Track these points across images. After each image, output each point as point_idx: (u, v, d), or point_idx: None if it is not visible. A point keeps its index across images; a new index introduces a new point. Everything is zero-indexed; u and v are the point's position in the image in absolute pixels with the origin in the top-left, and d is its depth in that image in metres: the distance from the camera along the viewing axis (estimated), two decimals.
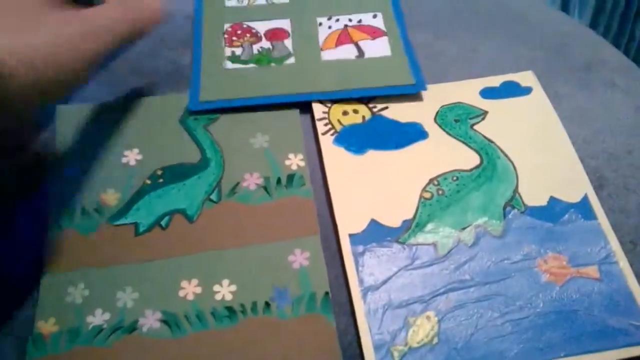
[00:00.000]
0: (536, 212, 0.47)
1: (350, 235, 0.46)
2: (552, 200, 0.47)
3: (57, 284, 0.43)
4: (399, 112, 0.53)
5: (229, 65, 0.56)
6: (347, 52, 0.56)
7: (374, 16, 0.60)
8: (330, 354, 0.40)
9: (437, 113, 0.52)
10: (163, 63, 0.57)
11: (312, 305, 0.42)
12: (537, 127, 0.52)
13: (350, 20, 0.60)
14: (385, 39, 0.58)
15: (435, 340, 0.41)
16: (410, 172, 0.49)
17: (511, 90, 0.54)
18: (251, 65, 0.55)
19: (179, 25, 0.60)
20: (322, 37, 0.58)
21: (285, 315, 0.42)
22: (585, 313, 0.42)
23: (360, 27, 0.59)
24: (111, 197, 0.47)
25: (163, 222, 0.46)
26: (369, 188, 0.48)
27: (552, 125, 0.52)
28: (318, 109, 0.53)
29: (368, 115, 0.52)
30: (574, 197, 0.47)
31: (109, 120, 0.52)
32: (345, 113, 0.52)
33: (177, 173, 0.49)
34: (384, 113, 0.52)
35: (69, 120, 0.52)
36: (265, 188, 0.48)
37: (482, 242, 0.45)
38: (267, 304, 0.42)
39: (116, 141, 0.50)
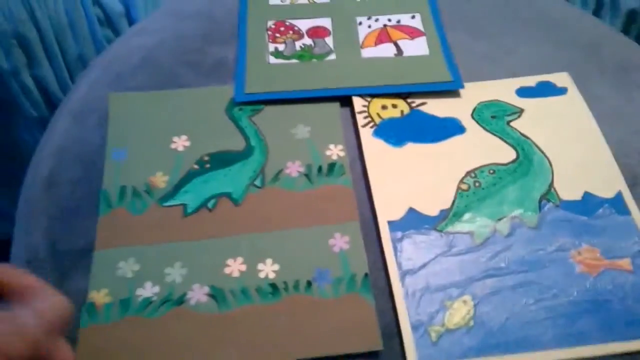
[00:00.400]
0: (571, 206, 0.47)
1: (389, 222, 0.47)
2: (587, 195, 0.48)
3: (108, 258, 0.45)
4: (436, 107, 0.54)
5: (272, 60, 0.58)
6: (386, 50, 0.58)
7: (413, 17, 0.61)
8: (370, 332, 0.41)
9: (474, 109, 0.54)
10: (209, 57, 0.58)
11: (352, 286, 0.43)
12: (572, 126, 0.52)
13: (389, 20, 0.61)
14: (423, 38, 0.59)
15: (472, 323, 0.42)
16: (448, 165, 0.50)
17: (547, 90, 0.55)
18: (294, 60, 0.57)
19: (223, 22, 0.62)
20: (362, 35, 0.60)
21: (327, 294, 0.43)
22: (618, 303, 0.43)
23: (399, 27, 0.61)
24: (160, 180, 0.49)
25: (210, 204, 0.48)
26: (408, 178, 0.50)
27: (587, 124, 0.53)
28: (358, 102, 0.54)
29: (407, 110, 0.54)
30: (608, 193, 0.48)
31: (158, 108, 0.54)
32: (384, 107, 0.54)
33: (223, 159, 0.50)
34: (422, 108, 0.54)
35: (120, 106, 0.54)
36: (307, 175, 0.49)
37: (518, 233, 0.46)
38: (309, 283, 0.44)
39: (165, 128, 0.52)
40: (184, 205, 0.48)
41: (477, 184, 0.49)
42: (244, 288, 0.44)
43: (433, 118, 0.53)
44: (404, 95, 0.54)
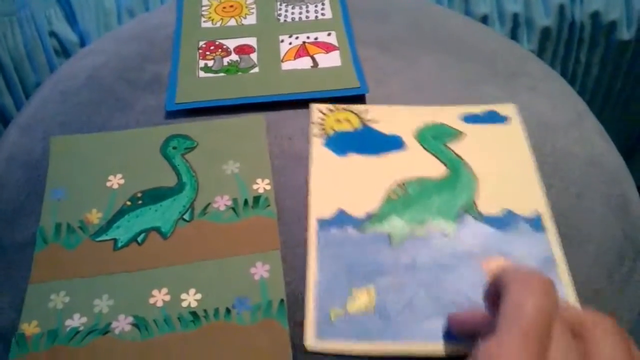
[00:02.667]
0: (490, 220, 0.47)
1: (318, 220, 0.47)
2: (507, 212, 0.48)
3: (41, 291, 0.44)
4: (385, 125, 0.54)
5: (202, 74, 0.59)
6: (304, 63, 0.60)
7: (329, 34, 0.63)
8: (282, 354, 0.40)
9: (417, 129, 0.54)
10: (146, 74, 0.60)
11: (268, 312, 0.42)
12: (506, 152, 0.52)
13: (308, 37, 0.63)
14: (337, 52, 0.61)
15: (372, 310, 0.42)
16: (383, 175, 0.50)
17: (491, 118, 0.55)
18: (221, 74, 0.59)
19: (161, 44, 0.64)
20: (283, 51, 0.61)
21: (244, 321, 0.42)
22: None
23: (316, 43, 0.62)
24: (94, 216, 0.48)
25: (139, 239, 0.46)
26: (343, 184, 0.50)
27: (521, 149, 0.53)
28: (315, 115, 0.55)
29: (359, 125, 0.54)
30: (529, 212, 0.48)
31: (96, 149, 0.53)
32: (338, 121, 0.55)
33: (155, 196, 0.49)
34: (372, 125, 0.54)
35: (60, 149, 0.53)
36: (234, 209, 0.48)
37: (434, 238, 0.46)
38: (228, 310, 0.42)
39: (102, 168, 0.51)
40: (115, 240, 0.46)
41: (404, 193, 0.49)
42: (167, 317, 0.42)
43: (379, 134, 0.53)
44: (360, 113, 0.55)
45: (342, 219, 0.47)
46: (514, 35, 0.92)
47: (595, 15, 0.91)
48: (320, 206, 0.48)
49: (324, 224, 0.47)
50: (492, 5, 0.90)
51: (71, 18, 0.85)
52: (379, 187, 0.50)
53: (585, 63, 0.96)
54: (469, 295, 0.43)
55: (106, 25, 0.84)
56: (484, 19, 0.90)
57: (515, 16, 0.91)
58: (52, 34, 0.85)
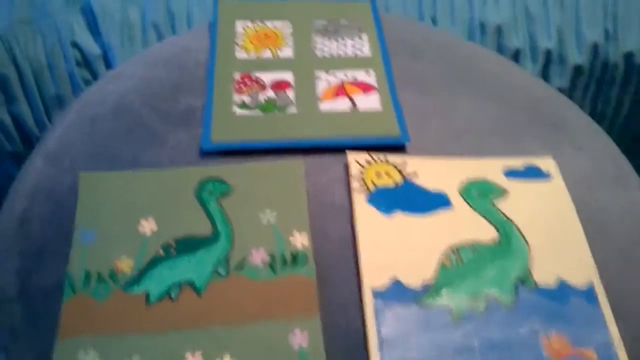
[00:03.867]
0: (544, 291, 0.46)
1: (373, 291, 0.45)
2: (561, 282, 0.47)
3: (69, 349, 0.42)
4: (427, 180, 0.52)
5: (238, 111, 0.57)
6: (342, 104, 0.58)
7: (367, 73, 0.61)
8: None
9: (462, 186, 0.52)
10: (178, 105, 0.58)
11: None
12: (552, 212, 0.51)
13: (345, 75, 0.61)
14: (376, 94, 0.59)
15: None
16: (433, 238, 0.49)
17: (532, 173, 0.54)
18: (257, 111, 0.57)
19: (193, 72, 0.62)
20: (320, 89, 0.59)
21: None
22: None
23: (354, 82, 0.60)
24: (125, 264, 0.46)
25: (172, 294, 0.44)
26: (394, 248, 0.48)
27: (567, 211, 0.51)
28: (355, 167, 0.52)
29: (399, 180, 0.52)
30: (582, 282, 0.47)
31: (128, 188, 0.51)
32: (378, 175, 0.53)
33: (188, 245, 0.47)
34: (414, 180, 0.53)
35: (90, 186, 0.51)
36: (271, 265, 0.46)
37: (492, 313, 0.45)
38: None
39: (134, 210, 0.49)
40: (147, 294, 0.44)
41: (458, 260, 0.47)
42: None
43: (423, 190, 0.52)
44: (398, 167, 0.53)
45: (398, 290, 0.46)
46: (545, 72, 0.90)
47: (629, 56, 0.89)
48: (373, 275, 0.46)
49: (379, 295, 0.45)
50: (525, 41, 0.88)
51: (94, 29, 0.83)
52: (432, 253, 0.48)
53: (615, 102, 0.94)
54: None
55: (130, 38, 0.82)
56: (516, 54, 0.88)
57: (548, 53, 0.89)
58: (74, 44, 0.83)
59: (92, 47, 0.83)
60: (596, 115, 0.97)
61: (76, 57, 0.83)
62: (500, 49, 0.89)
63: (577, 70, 0.91)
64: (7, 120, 0.85)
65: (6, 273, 0.47)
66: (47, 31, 0.83)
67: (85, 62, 0.84)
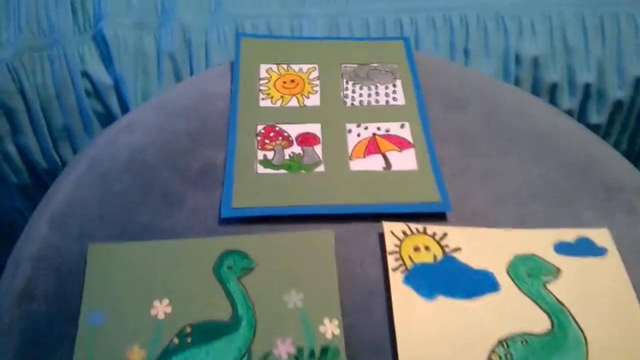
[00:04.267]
0: None
1: None
2: None
3: None
4: (471, 255, 0.48)
5: (261, 169, 0.52)
6: (375, 163, 0.54)
7: (402, 126, 0.57)
8: None
9: (509, 263, 0.48)
10: (197, 160, 0.54)
11: None
12: (610, 296, 0.46)
13: (378, 128, 0.56)
14: (412, 151, 0.54)
15: None
16: (480, 328, 0.44)
17: (586, 248, 0.49)
18: (282, 171, 0.52)
19: (212, 122, 0.57)
20: (351, 145, 0.55)
21: None
22: None
23: (388, 136, 0.56)
24: (137, 356, 0.42)
25: None
26: (437, 342, 0.43)
27: (626, 294, 0.47)
28: (390, 241, 0.48)
29: (439, 255, 0.48)
30: None
31: (141, 263, 0.47)
32: (417, 249, 0.48)
33: (206, 332, 0.43)
34: (456, 255, 0.48)
35: (99, 261, 0.47)
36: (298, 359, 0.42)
37: None
38: None
39: (147, 288, 0.45)
40: None
41: (508, 356, 0.43)
42: None
43: (466, 268, 0.47)
44: (438, 238, 0.49)
45: None
46: (583, 107, 0.85)
47: None
48: None
49: None
50: (563, 74, 0.83)
51: (106, 58, 0.78)
52: (479, 347, 0.43)
53: None
54: None
55: (144, 70, 0.78)
56: (553, 87, 0.83)
57: (587, 87, 0.84)
58: (85, 74, 0.78)
59: (103, 77, 0.79)
60: (633, 154, 0.91)
61: (86, 87, 0.79)
62: (536, 82, 0.83)
63: (617, 105, 0.86)
64: (14, 151, 0.81)
65: (5, 357, 0.43)
66: (56, 60, 0.78)
67: (96, 92, 0.79)
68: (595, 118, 0.86)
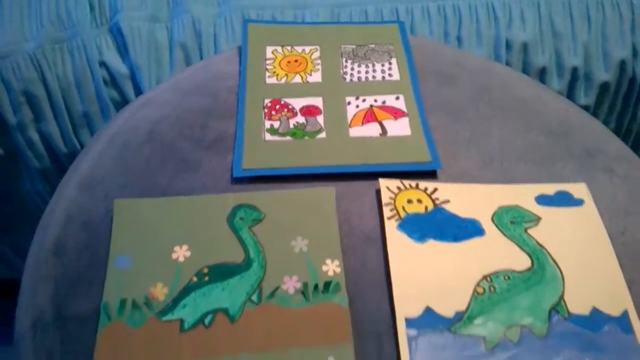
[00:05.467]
0: (579, 320, 0.46)
1: (407, 319, 0.46)
2: (595, 311, 0.47)
3: None
4: (459, 207, 0.53)
5: (268, 137, 0.58)
6: (372, 130, 0.59)
7: (397, 98, 0.62)
8: None
9: (494, 213, 0.53)
10: (209, 132, 0.59)
11: None
12: (585, 239, 0.51)
13: (375, 100, 0.61)
14: (406, 119, 0.59)
15: None
16: (466, 266, 0.49)
17: (564, 200, 0.54)
18: (287, 137, 0.58)
19: (223, 98, 0.63)
20: (350, 114, 0.60)
21: None
22: None
23: (384, 107, 0.61)
24: (160, 292, 0.47)
25: (206, 321, 0.45)
26: (427, 276, 0.48)
27: (600, 239, 0.51)
28: (386, 195, 0.53)
29: (430, 206, 0.53)
30: (615, 311, 0.47)
31: (162, 215, 0.52)
32: (409, 201, 0.53)
33: (221, 272, 0.48)
34: (445, 206, 0.53)
35: (124, 214, 0.52)
36: (303, 293, 0.47)
37: (526, 342, 0.45)
38: None
39: (168, 237, 0.50)
40: (182, 321, 0.45)
41: (492, 289, 0.48)
42: None
43: (455, 217, 0.52)
44: (429, 192, 0.54)
45: (431, 319, 0.46)
46: (571, 89, 0.90)
47: None
48: (406, 304, 0.47)
49: (412, 323, 0.46)
50: (551, 58, 0.88)
51: (122, 49, 0.84)
52: (465, 281, 0.48)
53: None
54: None
55: (157, 60, 0.83)
56: (542, 71, 0.88)
57: (574, 70, 0.89)
58: (102, 64, 0.84)
59: (120, 67, 0.84)
60: (621, 132, 0.96)
61: (104, 76, 0.85)
62: (526, 66, 0.88)
63: (604, 87, 0.91)
64: (36, 138, 0.87)
65: (42, 300, 0.48)
66: (75, 51, 0.84)
67: (113, 81, 0.85)
68: (583, 99, 0.91)
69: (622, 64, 0.90)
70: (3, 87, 0.83)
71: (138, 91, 0.85)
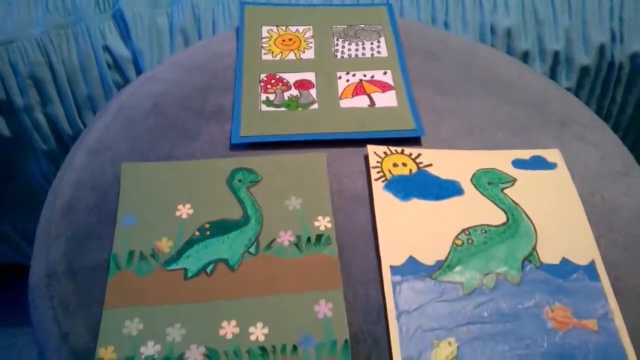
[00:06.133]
0: (549, 268, 0.50)
1: (391, 267, 0.50)
2: (564, 260, 0.51)
3: (115, 317, 0.46)
4: (440, 170, 0.57)
5: (264, 108, 0.62)
6: (361, 101, 0.63)
7: (384, 73, 0.66)
8: None
9: (473, 175, 0.57)
10: (209, 104, 0.63)
11: (333, 351, 0.44)
12: (557, 198, 0.55)
13: (364, 75, 0.66)
14: (393, 92, 0.64)
15: None
16: (446, 221, 0.53)
17: (539, 164, 0.58)
18: (282, 109, 0.62)
19: (222, 74, 0.67)
20: (340, 88, 0.64)
21: (310, 358, 0.44)
22: (581, 358, 0.45)
23: (372, 81, 0.65)
24: (165, 245, 0.51)
25: (208, 269, 0.49)
26: (410, 230, 0.52)
27: (571, 197, 0.55)
28: (373, 159, 0.57)
29: (414, 169, 0.57)
30: (583, 261, 0.51)
31: (166, 178, 0.55)
32: (395, 165, 0.57)
33: (222, 227, 0.52)
34: (428, 169, 0.57)
35: (131, 176, 0.56)
36: (297, 245, 0.51)
37: (501, 288, 0.49)
38: (295, 347, 0.45)
39: (171, 197, 0.54)
40: (185, 270, 0.49)
41: (470, 241, 0.52)
42: (237, 349, 0.44)
43: (437, 179, 0.56)
44: (414, 156, 0.58)
45: (414, 267, 0.50)
46: (553, 72, 0.94)
47: (634, 57, 0.93)
48: (390, 253, 0.51)
49: (396, 271, 0.50)
50: (534, 43, 0.92)
51: (125, 34, 0.88)
52: (445, 234, 0.52)
53: (620, 102, 0.98)
54: (540, 344, 0.46)
55: (159, 44, 0.87)
56: (525, 55, 0.92)
57: (556, 54, 0.93)
58: (106, 48, 0.88)
59: (122, 51, 0.88)
60: (602, 114, 1.00)
61: (107, 60, 0.88)
62: (510, 51, 0.93)
63: (584, 71, 0.95)
64: (42, 120, 0.90)
65: (54, 253, 0.52)
66: (80, 36, 0.87)
67: (116, 65, 0.88)
68: (565, 82, 0.95)
69: (602, 49, 0.94)
70: (11, 70, 0.86)
71: (140, 74, 0.89)
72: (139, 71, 0.89)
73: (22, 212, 1.04)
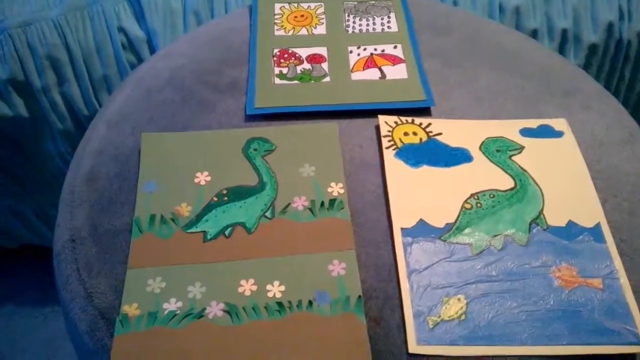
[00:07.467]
0: (556, 230, 0.52)
1: (402, 229, 0.52)
2: (570, 223, 0.53)
3: (139, 276, 0.49)
4: (450, 138, 0.59)
5: (277, 81, 0.64)
6: (372, 74, 0.65)
7: (395, 47, 0.68)
8: (360, 348, 0.45)
9: (482, 143, 0.58)
10: (224, 77, 0.65)
11: (346, 306, 0.47)
12: (564, 164, 0.57)
13: (375, 49, 0.68)
14: (403, 65, 0.66)
15: (463, 317, 0.47)
16: (456, 187, 0.55)
17: (546, 132, 0.60)
18: (295, 82, 0.64)
19: (236, 49, 0.69)
20: (352, 61, 0.66)
21: (325, 313, 0.47)
22: (587, 314, 0.47)
23: (383, 55, 0.67)
24: (184, 209, 0.53)
25: (227, 232, 0.51)
26: (421, 194, 0.54)
27: (577, 164, 0.57)
28: (384, 128, 0.59)
29: (424, 138, 0.59)
30: (589, 223, 0.53)
31: (184, 147, 0.58)
32: (406, 134, 0.59)
33: (239, 193, 0.54)
34: (438, 138, 0.59)
35: (151, 144, 0.58)
36: (311, 209, 0.53)
37: (509, 249, 0.51)
38: (310, 303, 0.47)
39: (190, 165, 0.56)
40: (204, 232, 0.51)
41: (478, 205, 0.53)
42: (255, 305, 0.47)
43: (446, 147, 0.58)
44: (424, 125, 0.59)
45: (424, 229, 0.52)
46: (561, 50, 0.95)
47: None
48: (401, 216, 0.53)
49: (407, 233, 0.52)
50: (542, 21, 0.94)
51: (140, 15, 0.90)
52: (454, 199, 0.54)
53: (629, 79, 0.99)
54: (547, 301, 0.48)
55: (172, 25, 0.89)
56: (534, 33, 0.94)
57: (564, 32, 0.94)
58: (121, 29, 0.90)
59: (137, 32, 0.89)
60: (610, 92, 1.01)
61: (122, 41, 0.90)
62: (518, 29, 0.94)
63: (592, 48, 0.96)
64: (59, 100, 0.92)
65: (78, 218, 0.54)
66: (96, 17, 0.89)
67: (131, 46, 0.90)
68: (573, 60, 0.96)
69: (610, 27, 0.95)
70: (29, 52, 0.88)
71: None
72: (153, 52, 0.91)
73: (39, 192, 1.07)
